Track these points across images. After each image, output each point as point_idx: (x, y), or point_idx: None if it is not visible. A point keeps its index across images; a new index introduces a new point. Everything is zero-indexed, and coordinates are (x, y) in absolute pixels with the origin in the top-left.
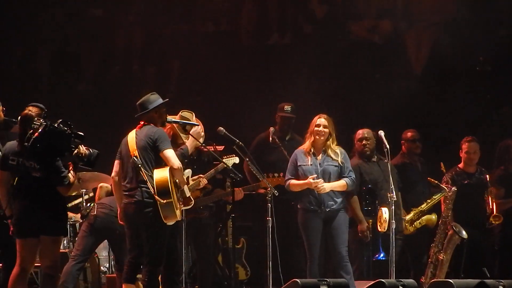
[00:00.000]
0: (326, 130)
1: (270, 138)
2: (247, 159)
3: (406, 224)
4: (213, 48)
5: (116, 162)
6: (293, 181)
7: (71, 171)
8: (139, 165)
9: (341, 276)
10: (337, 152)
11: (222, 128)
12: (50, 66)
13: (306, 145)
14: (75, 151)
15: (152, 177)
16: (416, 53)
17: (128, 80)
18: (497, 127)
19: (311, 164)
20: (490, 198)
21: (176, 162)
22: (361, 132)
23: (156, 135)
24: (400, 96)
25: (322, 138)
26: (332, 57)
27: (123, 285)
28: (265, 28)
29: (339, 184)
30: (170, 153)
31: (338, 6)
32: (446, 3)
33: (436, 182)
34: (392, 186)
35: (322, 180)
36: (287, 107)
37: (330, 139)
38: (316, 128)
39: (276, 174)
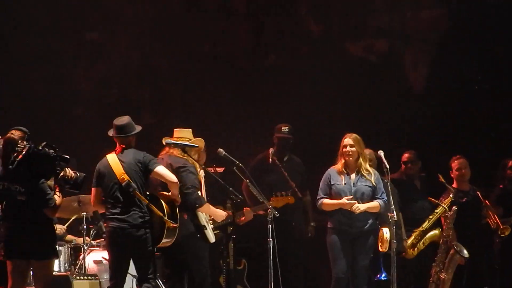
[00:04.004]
0: (354, 149)
1: (270, 159)
2: (247, 180)
3: (409, 250)
4: (209, 69)
5: (94, 190)
6: (327, 200)
7: (57, 193)
8: (135, 189)
9: None
10: (370, 172)
11: (221, 150)
12: (45, 89)
13: (339, 165)
14: (61, 174)
15: (145, 201)
16: (413, 72)
17: (124, 102)
18: (495, 145)
19: (345, 184)
20: (490, 212)
21: (172, 176)
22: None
23: (145, 156)
24: (398, 115)
25: (351, 158)
26: (329, 77)
27: None
28: (261, 49)
29: (373, 206)
30: (163, 170)
31: (334, 26)
32: (441, 21)
33: (437, 201)
34: (393, 206)
35: (356, 202)
36: (285, 128)
37: (361, 159)
38: (344, 149)
39: (284, 193)
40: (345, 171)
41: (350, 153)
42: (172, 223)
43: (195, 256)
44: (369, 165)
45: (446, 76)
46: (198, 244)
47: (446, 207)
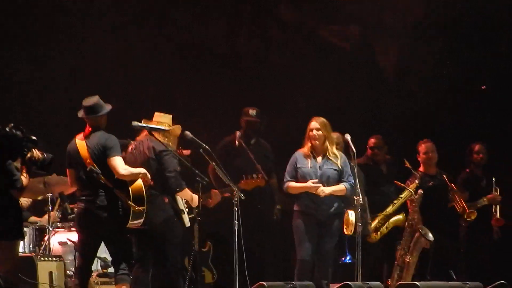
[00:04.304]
0: (320, 133)
1: (236, 142)
2: (214, 163)
3: (372, 233)
4: (186, 55)
5: (68, 171)
6: (292, 184)
7: (24, 174)
8: (99, 174)
9: (319, 279)
10: (336, 156)
11: (188, 132)
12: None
13: (305, 148)
14: (28, 155)
15: (109, 185)
16: (385, 60)
17: (99, 87)
18: (462, 129)
19: (310, 167)
20: (456, 196)
21: (120, 170)
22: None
23: (107, 141)
24: (369, 102)
25: (317, 142)
26: (302, 63)
27: None
28: (234, 33)
29: (339, 189)
30: (115, 162)
31: (307, 12)
32: (416, 8)
33: (403, 185)
34: (359, 189)
35: (321, 185)
36: (252, 112)
37: (327, 142)
38: (310, 133)
39: (255, 175)
40: (311, 155)
41: (316, 136)
42: (137, 207)
43: (171, 240)
44: (336, 148)
45: (417, 63)
46: (175, 228)
47: (412, 191)
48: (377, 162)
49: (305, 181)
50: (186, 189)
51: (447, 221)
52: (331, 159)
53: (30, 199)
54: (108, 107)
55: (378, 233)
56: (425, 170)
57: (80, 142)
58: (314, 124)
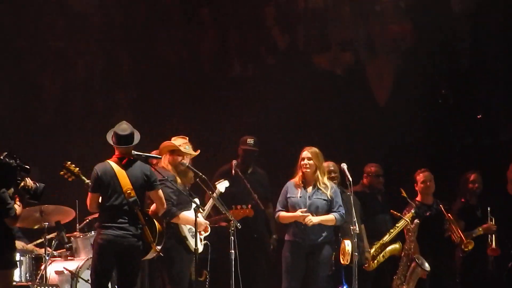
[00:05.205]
0: (311, 162)
1: (233, 171)
2: (210, 192)
3: (369, 262)
4: (173, 78)
5: (93, 196)
6: (283, 213)
7: (17, 202)
8: (138, 208)
9: None
10: (327, 186)
11: (184, 161)
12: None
13: (296, 178)
14: (21, 184)
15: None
16: (378, 85)
17: (90, 110)
18: (460, 159)
19: (300, 197)
20: (453, 226)
21: (165, 202)
22: (326, 165)
23: (152, 173)
24: (362, 128)
25: (308, 171)
26: (295, 89)
27: None
28: (227, 59)
29: (327, 219)
30: (162, 193)
31: (300, 37)
32: (407, 34)
33: (399, 214)
34: (355, 218)
35: (310, 214)
36: (250, 140)
37: (318, 172)
38: (301, 162)
39: (244, 206)
40: (302, 184)
41: (307, 166)
42: (158, 250)
43: (172, 270)
44: (332, 177)
45: (410, 89)
46: (180, 255)
47: (408, 221)
48: (374, 190)
49: (295, 210)
50: (182, 214)
51: (443, 250)
52: (321, 189)
53: (31, 246)
54: (137, 134)
55: (375, 261)
56: (422, 199)
57: (119, 169)
58: (306, 153)
